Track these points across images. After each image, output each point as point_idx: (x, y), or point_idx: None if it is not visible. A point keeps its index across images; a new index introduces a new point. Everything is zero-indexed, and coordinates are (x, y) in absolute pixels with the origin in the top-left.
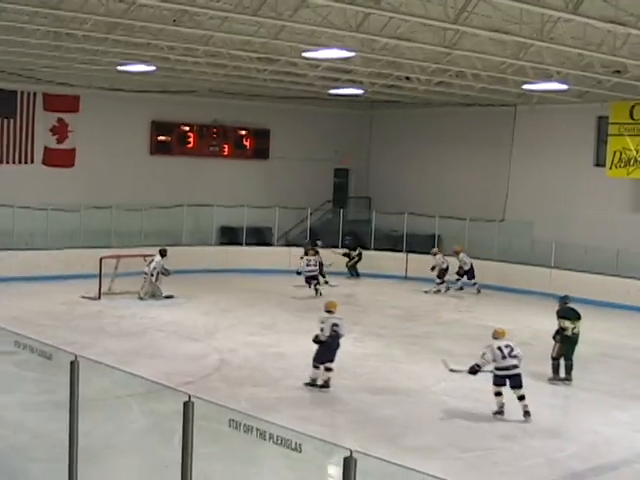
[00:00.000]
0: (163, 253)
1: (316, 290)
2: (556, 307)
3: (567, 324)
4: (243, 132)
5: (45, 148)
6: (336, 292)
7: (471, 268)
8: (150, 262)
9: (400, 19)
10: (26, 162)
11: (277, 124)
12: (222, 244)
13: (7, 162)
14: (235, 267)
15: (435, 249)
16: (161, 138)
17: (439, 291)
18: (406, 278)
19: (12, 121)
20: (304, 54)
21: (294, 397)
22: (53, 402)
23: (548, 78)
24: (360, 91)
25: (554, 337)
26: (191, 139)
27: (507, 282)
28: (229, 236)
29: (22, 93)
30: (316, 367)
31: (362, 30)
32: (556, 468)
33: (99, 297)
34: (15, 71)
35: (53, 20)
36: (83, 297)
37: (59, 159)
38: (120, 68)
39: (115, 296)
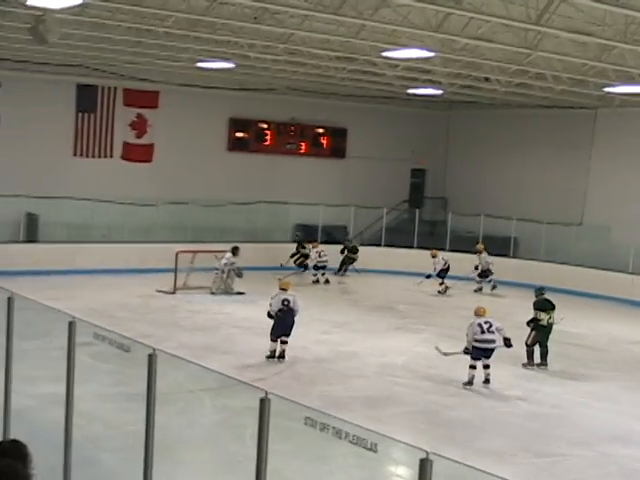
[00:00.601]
0: (235, 252)
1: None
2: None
3: (542, 315)
4: (320, 130)
5: (124, 143)
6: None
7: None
8: (221, 258)
9: (481, 19)
10: (105, 156)
11: (354, 123)
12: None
13: (87, 156)
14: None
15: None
16: (239, 135)
17: (447, 288)
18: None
19: (92, 116)
20: (383, 54)
21: (366, 396)
22: (127, 394)
23: (630, 81)
24: (439, 91)
25: (528, 324)
26: (268, 136)
27: (584, 287)
28: (304, 234)
29: (103, 88)
30: (273, 340)
31: (442, 30)
32: (631, 478)
33: (174, 291)
34: (97, 66)
35: (135, 16)
36: (158, 291)
37: (138, 154)
38: (200, 65)
39: (190, 291)
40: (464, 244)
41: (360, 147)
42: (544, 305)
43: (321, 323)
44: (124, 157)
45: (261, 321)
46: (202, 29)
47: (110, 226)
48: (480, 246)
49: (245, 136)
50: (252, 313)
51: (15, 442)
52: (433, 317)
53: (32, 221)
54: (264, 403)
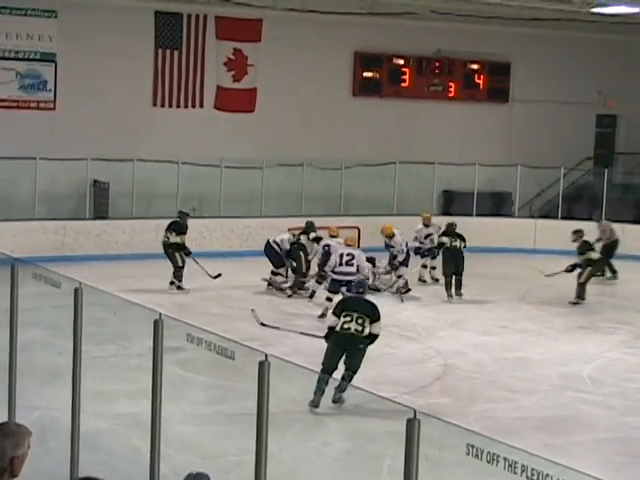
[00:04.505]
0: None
1: None
2: None
3: (444, 239)
4: (475, 66)
5: (218, 88)
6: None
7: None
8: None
9: None
10: (194, 106)
11: (520, 56)
12: (445, 214)
13: (170, 105)
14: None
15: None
16: (367, 75)
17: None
18: None
19: (177, 53)
20: None
21: (542, 418)
22: (228, 414)
23: None
24: (635, 9)
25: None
26: (406, 76)
27: None
28: (455, 204)
29: (189, 17)
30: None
31: None
32: None
33: (286, 279)
34: None
35: None
36: (265, 280)
37: (236, 102)
38: None
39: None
40: None
41: (528, 87)
42: (449, 233)
43: (480, 320)
44: (218, 106)
45: (399, 318)
46: None
47: (202, 196)
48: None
49: (375, 76)
50: (387, 308)
51: None
52: (631, 313)
53: (101, 191)
54: (411, 426)
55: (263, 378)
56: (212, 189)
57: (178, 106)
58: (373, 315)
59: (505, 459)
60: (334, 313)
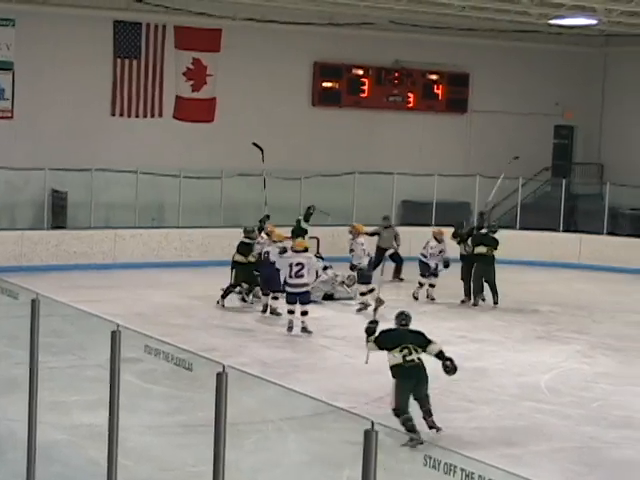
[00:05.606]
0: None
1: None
2: None
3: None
4: (434, 77)
5: (177, 97)
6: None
7: None
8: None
9: None
10: (153, 116)
11: (479, 67)
12: (404, 224)
13: (129, 115)
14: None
15: None
16: (326, 85)
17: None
18: None
19: (136, 63)
20: None
21: (500, 428)
22: (187, 425)
23: None
24: (592, 21)
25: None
26: (365, 86)
27: None
28: (414, 213)
29: (148, 26)
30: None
31: None
32: None
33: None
34: None
35: None
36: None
37: (195, 112)
38: None
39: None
40: (628, 225)
41: (487, 98)
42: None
43: (438, 330)
44: (177, 116)
45: (356, 328)
46: None
47: (161, 206)
48: None
49: (335, 86)
50: (345, 319)
51: None
52: (587, 323)
53: (59, 201)
54: (369, 436)
55: (221, 389)
56: (171, 199)
57: (137, 115)
58: (422, 343)
59: (462, 470)
60: (378, 345)
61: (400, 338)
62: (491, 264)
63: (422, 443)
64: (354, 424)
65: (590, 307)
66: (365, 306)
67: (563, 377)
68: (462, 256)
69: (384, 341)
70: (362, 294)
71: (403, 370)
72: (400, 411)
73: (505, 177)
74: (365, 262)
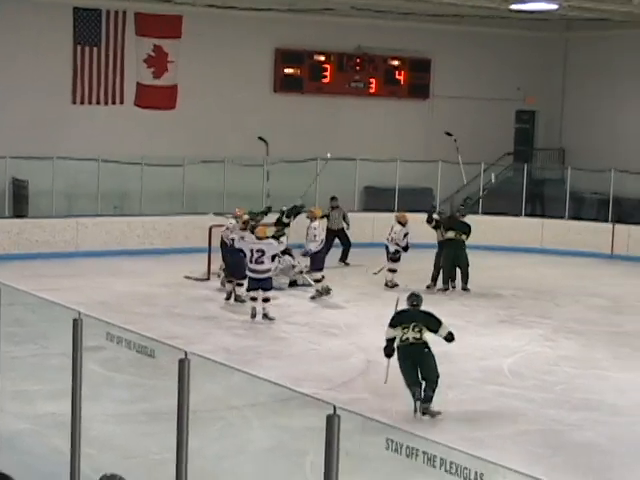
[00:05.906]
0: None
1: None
2: None
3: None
4: (395, 63)
5: (138, 84)
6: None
7: None
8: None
9: None
10: (114, 103)
11: (440, 52)
12: (367, 210)
13: (90, 102)
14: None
15: None
16: (288, 71)
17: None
18: (612, 257)
19: (96, 50)
20: None
21: (462, 412)
22: (150, 413)
23: None
24: (553, 6)
25: None
26: (327, 72)
27: None
28: (376, 199)
29: (108, 13)
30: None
31: None
32: None
33: (208, 277)
34: None
35: None
36: (188, 277)
37: (156, 99)
38: None
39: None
40: (589, 209)
41: (449, 84)
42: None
43: None
44: (138, 103)
45: (321, 315)
46: None
47: (123, 194)
48: None
49: (296, 72)
50: (309, 305)
51: (2, 477)
52: (550, 307)
53: (20, 189)
54: (332, 421)
55: (183, 376)
56: (133, 187)
57: (98, 103)
58: (429, 323)
59: (424, 453)
60: (391, 325)
61: (409, 318)
62: (461, 248)
63: (440, 413)
64: (317, 410)
65: (553, 291)
66: (320, 293)
67: (526, 361)
68: (439, 242)
69: (394, 322)
70: (316, 281)
71: (399, 350)
72: (409, 388)
73: (464, 162)
74: (312, 247)
